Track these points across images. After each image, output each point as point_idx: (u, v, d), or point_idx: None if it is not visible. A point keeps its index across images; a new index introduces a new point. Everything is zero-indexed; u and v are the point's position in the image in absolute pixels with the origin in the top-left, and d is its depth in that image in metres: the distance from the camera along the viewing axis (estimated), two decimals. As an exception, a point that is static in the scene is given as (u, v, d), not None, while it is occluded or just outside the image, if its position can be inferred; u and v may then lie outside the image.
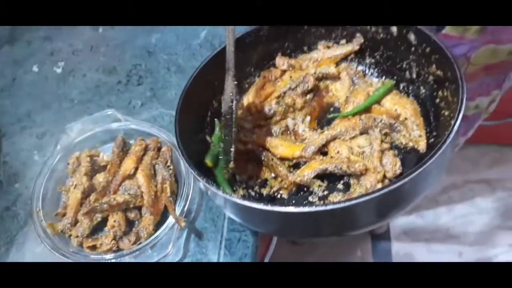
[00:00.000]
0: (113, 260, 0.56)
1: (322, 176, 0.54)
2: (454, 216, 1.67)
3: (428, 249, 1.58)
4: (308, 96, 0.61)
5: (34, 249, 0.59)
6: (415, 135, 0.54)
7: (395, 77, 0.59)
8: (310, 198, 0.54)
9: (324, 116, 0.61)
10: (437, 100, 0.54)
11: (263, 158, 0.56)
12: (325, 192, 0.54)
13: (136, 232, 0.57)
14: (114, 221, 0.57)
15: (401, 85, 0.59)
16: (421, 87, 0.56)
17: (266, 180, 0.57)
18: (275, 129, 0.59)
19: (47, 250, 0.58)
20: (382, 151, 0.53)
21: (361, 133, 0.55)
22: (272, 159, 0.56)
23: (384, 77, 0.60)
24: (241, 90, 0.64)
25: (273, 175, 0.57)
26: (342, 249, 1.49)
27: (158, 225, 0.58)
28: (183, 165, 0.60)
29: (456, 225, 1.67)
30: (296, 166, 0.56)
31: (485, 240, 1.55)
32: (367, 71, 0.63)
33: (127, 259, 0.56)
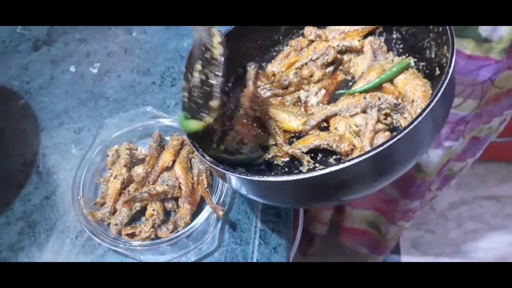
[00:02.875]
0: (150, 247, 0.57)
1: (317, 150, 0.54)
2: (464, 232, 1.68)
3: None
4: (329, 69, 0.61)
5: (74, 237, 0.61)
6: None
7: (417, 55, 0.58)
8: (301, 168, 0.54)
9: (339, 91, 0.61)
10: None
11: (267, 126, 0.57)
12: (315, 165, 0.54)
13: (173, 221, 0.59)
14: (153, 210, 0.59)
15: (421, 64, 0.57)
16: (437, 68, 0.55)
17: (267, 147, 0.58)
18: (288, 98, 0.61)
19: (85, 238, 0.60)
20: (376, 132, 0.52)
21: (363, 112, 0.54)
22: (275, 129, 0.57)
23: (406, 55, 0.59)
24: (268, 58, 0.67)
25: (273, 142, 0.57)
26: (353, 260, 1.50)
27: (194, 216, 0.60)
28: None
29: (466, 241, 1.68)
30: (300, 137, 0.57)
31: (494, 256, 1.56)
32: (391, 47, 0.62)
33: (164, 246, 0.58)
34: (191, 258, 0.59)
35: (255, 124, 0.58)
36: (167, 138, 0.68)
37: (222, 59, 0.50)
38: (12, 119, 0.74)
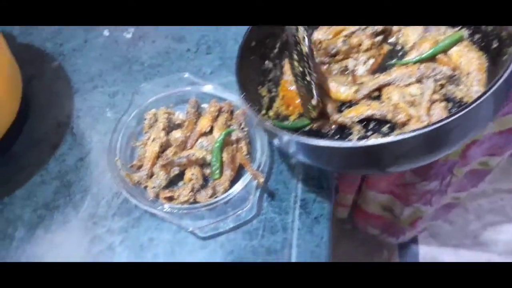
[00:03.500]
0: (188, 212, 0.56)
1: (367, 119, 0.52)
2: (484, 224, 1.66)
3: (456, 255, 1.56)
4: (377, 38, 0.59)
5: (109, 199, 0.60)
6: (473, 90, 0.51)
7: (472, 27, 0.55)
8: (350, 137, 0.53)
9: (388, 61, 0.59)
10: (504, 58, 0.51)
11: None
12: (366, 134, 0.52)
13: (213, 187, 0.58)
14: (192, 174, 0.58)
15: (476, 36, 0.55)
16: (493, 41, 0.53)
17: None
18: (336, 67, 0.59)
19: (121, 201, 0.59)
20: (433, 102, 0.51)
21: (418, 82, 0.53)
22: (324, 97, 0.55)
23: (460, 26, 0.56)
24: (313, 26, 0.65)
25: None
26: (369, 249, 1.48)
27: (232, 183, 0.59)
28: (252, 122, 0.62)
29: (485, 233, 1.65)
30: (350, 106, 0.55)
31: (514, 249, 1.54)
32: None
33: (202, 210, 0.57)
34: (230, 224, 0.57)
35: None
36: (204, 105, 0.67)
37: (309, 56, 0.51)
38: (45, 80, 0.72)
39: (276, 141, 0.53)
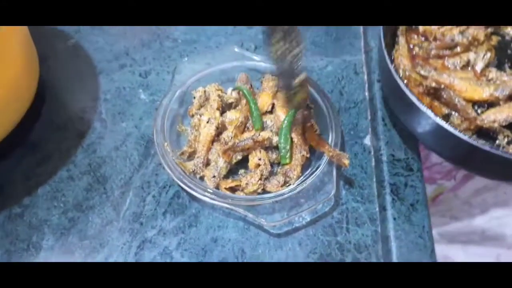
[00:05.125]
0: (259, 203, 0.47)
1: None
2: (490, 218, 1.62)
3: (465, 252, 1.51)
4: (489, 29, 0.54)
5: (156, 194, 0.49)
6: None
7: None
8: (497, 142, 0.47)
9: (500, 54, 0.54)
10: None
11: (444, 96, 0.48)
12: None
13: (283, 173, 0.48)
14: (259, 159, 0.48)
15: None
16: None
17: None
18: (453, 61, 0.51)
19: (172, 195, 0.49)
20: None
21: None
22: (456, 99, 0.48)
23: None
24: None
25: (447, 111, 0.49)
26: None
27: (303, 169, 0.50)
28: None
29: (492, 227, 1.61)
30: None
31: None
32: None
33: (275, 202, 0.47)
34: (306, 217, 0.48)
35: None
36: (254, 83, 0.57)
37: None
38: (62, 60, 0.61)
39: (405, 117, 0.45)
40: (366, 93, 0.58)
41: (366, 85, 0.59)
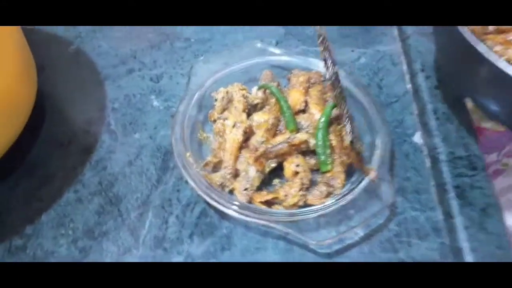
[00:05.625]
0: (302, 218, 0.39)
1: None
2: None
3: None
4: None
5: (180, 214, 0.42)
6: None
7: None
8: None
9: None
10: None
11: None
12: None
13: (325, 182, 0.41)
14: (297, 165, 0.41)
15: None
16: None
17: None
18: None
19: (198, 214, 0.42)
20: None
21: None
22: None
23: None
24: None
25: None
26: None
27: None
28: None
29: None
30: None
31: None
32: None
33: (320, 216, 0.40)
34: (358, 232, 0.41)
35: None
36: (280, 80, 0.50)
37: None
38: (62, 68, 0.55)
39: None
40: (408, 85, 0.51)
41: (407, 76, 0.52)
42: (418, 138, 0.47)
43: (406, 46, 0.55)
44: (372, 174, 0.41)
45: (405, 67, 0.53)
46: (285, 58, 0.51)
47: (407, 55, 0.54)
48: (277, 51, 0.52)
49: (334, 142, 0.43)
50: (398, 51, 0.55)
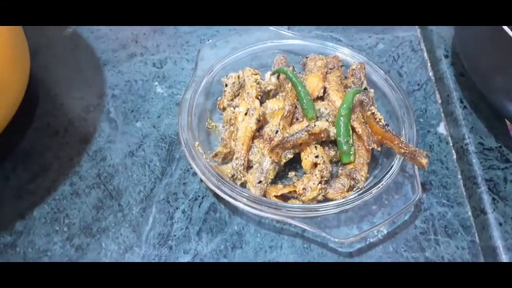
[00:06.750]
0: (322, 213, 0.36)
1: None
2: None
3: None
4: None
5: (186, 209, 0.38)
6: None
7: None
8: None
9: None
10: None
11: None
12: None
13: (347, 174, 0.38)
14: (317, 156, 0.38)
15: None
16: None
17: None
18: None
19: (206, 209, 0.38)
20: None
21: None
22: None
23: None
24: None
25: None
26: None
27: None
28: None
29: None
30: None
31: None
32: None
33: (342, 212, 0.36)
34: (382, 229, 0.37)
35: None
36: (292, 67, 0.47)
37: None
38: (57, 52, 0.51)
39: None
40: (431, 73, 0.48)
41: (429, 63, 0.49)
42: (442, 128, 0.43)
43: (427, 31, 0.51)
44: (424, 161, 0.37)
45: (425, 54, 0.50)
46: (299, 42, 0.48)
47: (428, 41, 0.50)
48: (290, 34, 0.48)
49: (359, 130, 0.39)
50: (417, 36, 0.52)
